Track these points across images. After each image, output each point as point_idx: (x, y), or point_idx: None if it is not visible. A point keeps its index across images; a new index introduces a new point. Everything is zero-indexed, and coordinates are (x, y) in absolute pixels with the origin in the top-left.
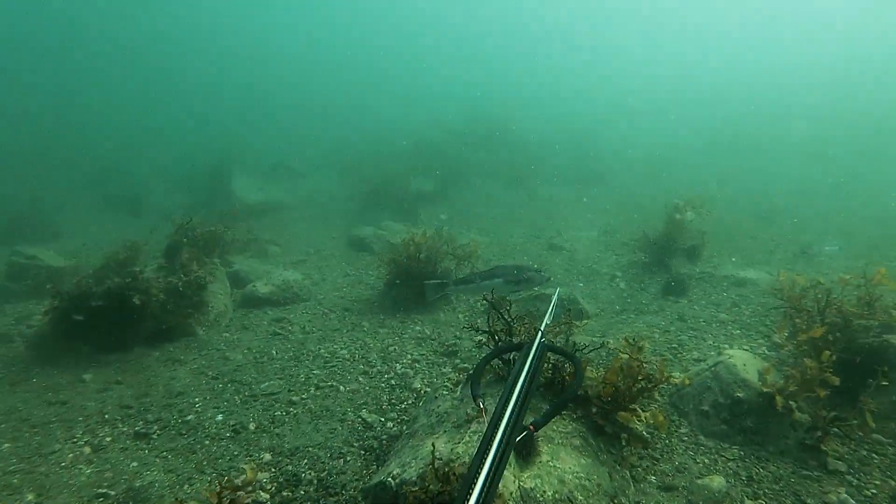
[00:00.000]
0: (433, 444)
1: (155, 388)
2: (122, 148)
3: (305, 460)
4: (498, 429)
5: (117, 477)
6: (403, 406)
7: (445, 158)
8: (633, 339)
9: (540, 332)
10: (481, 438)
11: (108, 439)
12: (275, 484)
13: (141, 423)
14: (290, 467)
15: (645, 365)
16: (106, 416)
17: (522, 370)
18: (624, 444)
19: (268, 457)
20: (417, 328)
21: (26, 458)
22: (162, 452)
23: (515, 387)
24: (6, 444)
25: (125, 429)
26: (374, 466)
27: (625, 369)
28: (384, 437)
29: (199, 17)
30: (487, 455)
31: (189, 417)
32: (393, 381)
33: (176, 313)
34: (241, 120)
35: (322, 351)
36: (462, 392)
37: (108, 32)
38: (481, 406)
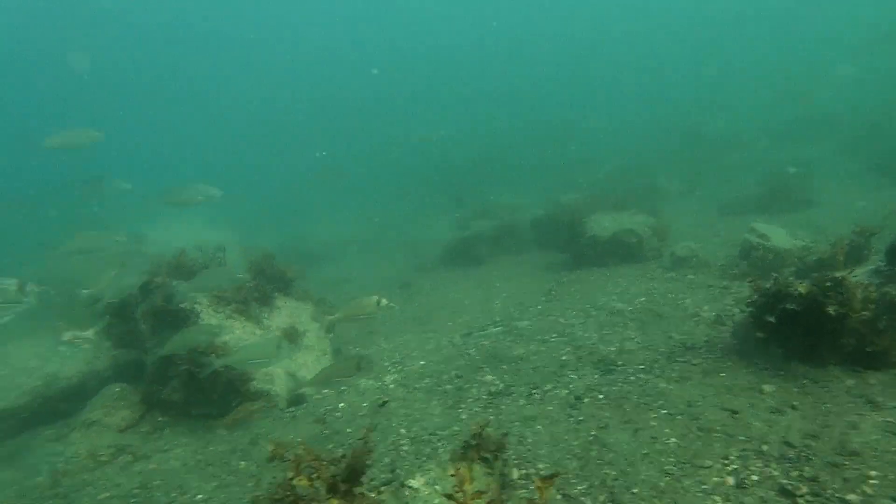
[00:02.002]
0: None
1: (829, 431)
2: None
3: None
4: None
5: None
6: None
7: None
8: None
9: None
10: None
11: (754, 477)
12: None
13: (795, 474)
14: None
15: None
16: (764, 448)
17: None
18: None
19: None
20: None
21: (681, 463)
22: None
23: None
24: (673, 439)
25: (776, 473)
26: None
27: None
28: None
29: None
30: None
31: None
32: None
33: (889, 335)
34: None
35: None
36: None
37: None
38: None
